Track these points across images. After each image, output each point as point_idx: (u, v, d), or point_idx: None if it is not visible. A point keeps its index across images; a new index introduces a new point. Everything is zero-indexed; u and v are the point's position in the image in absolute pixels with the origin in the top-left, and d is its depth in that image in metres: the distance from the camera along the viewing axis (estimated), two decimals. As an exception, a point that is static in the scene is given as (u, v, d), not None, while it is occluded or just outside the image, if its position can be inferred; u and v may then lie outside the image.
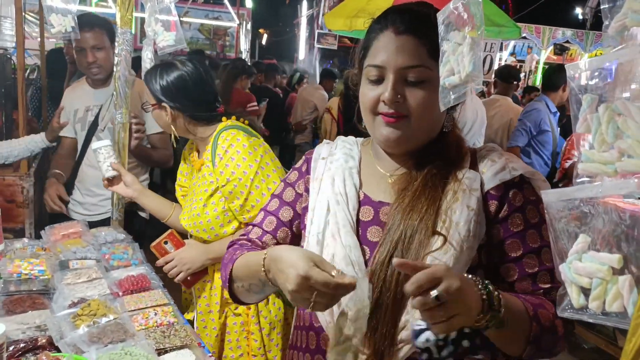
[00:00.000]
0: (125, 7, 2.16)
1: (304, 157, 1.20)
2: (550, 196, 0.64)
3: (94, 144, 1.97)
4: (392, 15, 0.99)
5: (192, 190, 1.85)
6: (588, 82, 0.66)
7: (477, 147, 1.08)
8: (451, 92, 0.84)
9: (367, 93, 0.99)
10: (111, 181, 1.97)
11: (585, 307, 0.65)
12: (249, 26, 13.70)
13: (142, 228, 2.60)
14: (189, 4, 11.35)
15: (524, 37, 12.43)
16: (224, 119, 1.85)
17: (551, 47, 13.50)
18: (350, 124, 1.15)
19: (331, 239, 1.01)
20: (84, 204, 2.60)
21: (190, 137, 1.90)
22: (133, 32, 2.19)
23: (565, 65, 0.70)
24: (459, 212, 0.94)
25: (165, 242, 1.65)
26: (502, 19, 5.34)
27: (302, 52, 18.02)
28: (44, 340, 1.33)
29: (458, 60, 0.80)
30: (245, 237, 1.19)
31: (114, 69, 2.19)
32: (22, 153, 2.61)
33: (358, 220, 1.03)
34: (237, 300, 1.15)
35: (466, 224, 0.94)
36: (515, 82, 4.48)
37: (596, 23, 14.48)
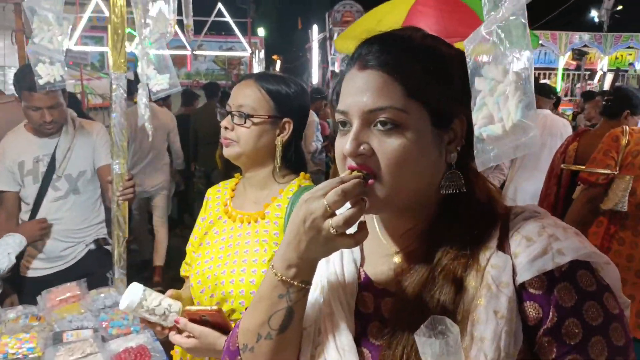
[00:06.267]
0: (117, 51, 2.03)
1: None
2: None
3: (127, 303, 1.22)
4: (359, 47, 0.77)
5: (227, 243, 1.40)
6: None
7: (513, 207, 0.77)
8: (493, 147, 0.58)
9: (336, 145, 0.78)
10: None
11: None
12: (262, 54, 13.75)
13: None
14: (202, 37, 11.44)
15: (541, 45, 12.13)
16: (302, 173, 1.46)
17: (569, 52, 13.17)
18: None
19: (324, 337, 0.78)
20: (45, 259, 2.35)
21: (261, 180, 1.43)
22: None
23: None
24: (483, 322, 0.67)
25: (203, 316, 1.21)
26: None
27: (315, 76, 18.03)
28: None
29: (499, 104, 0.56)
30: None
31: (110, 117, 2.06)
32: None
33: (357, 310, 0.80)
34: None
35: (494, 340, 0.67)
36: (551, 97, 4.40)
37: (613, 24, 14.12)
